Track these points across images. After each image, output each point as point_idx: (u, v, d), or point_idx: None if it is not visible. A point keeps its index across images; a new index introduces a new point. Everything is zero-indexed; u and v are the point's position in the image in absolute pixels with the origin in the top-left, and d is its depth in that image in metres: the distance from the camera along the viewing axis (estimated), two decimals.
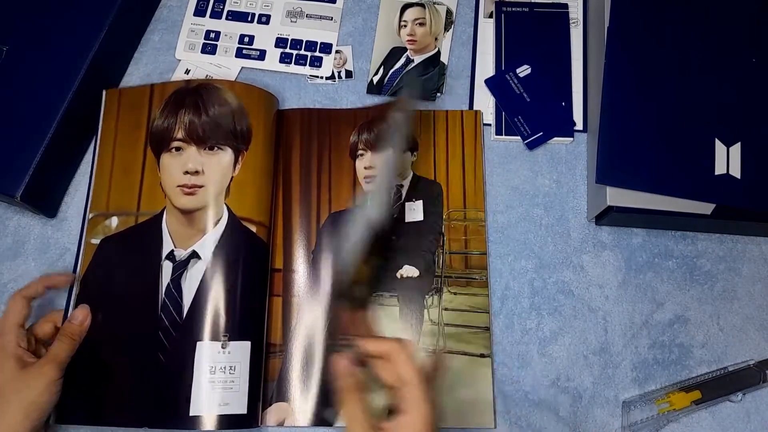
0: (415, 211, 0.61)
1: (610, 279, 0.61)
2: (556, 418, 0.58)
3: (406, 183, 0.63)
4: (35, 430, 0.50)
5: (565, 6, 0.69)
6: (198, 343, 0.54)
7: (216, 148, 0.59)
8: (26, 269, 0.62)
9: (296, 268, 0.61)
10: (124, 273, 0.58)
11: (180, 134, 0.60)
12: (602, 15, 0.63)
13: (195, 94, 0.61)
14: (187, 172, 0.59)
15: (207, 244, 0.57)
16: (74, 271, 0.58)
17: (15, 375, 0.50)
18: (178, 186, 0.59)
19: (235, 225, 0.58)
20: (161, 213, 0.59)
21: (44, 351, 0.54)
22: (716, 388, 0.57)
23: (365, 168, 0.63)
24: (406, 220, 0.62)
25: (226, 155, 0.60)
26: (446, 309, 0.59)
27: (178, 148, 0.60)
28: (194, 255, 0.57)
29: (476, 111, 0.66)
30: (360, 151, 0.63)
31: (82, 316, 0.55)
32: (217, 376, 0.54)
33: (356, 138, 0.64)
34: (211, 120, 0.60)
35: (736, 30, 0.62)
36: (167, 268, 0.57)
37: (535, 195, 0.64)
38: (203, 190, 0.58)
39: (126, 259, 0.58)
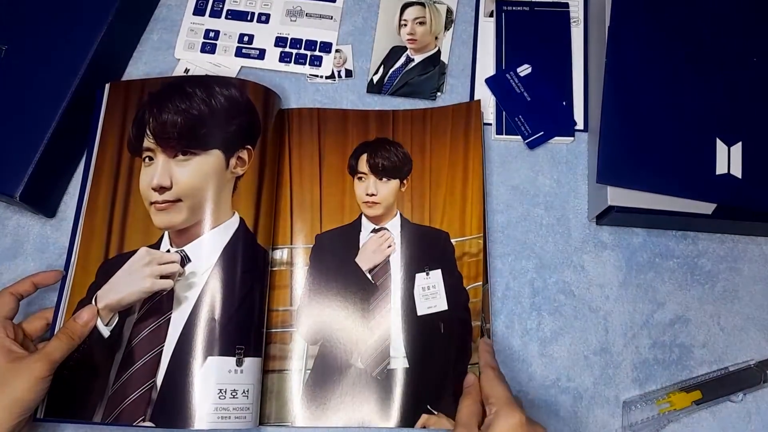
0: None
1: (611, 279, 0.61)
2: (557, 418, 0.57)
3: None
4: (18, 427, 0.48)
5: (566, 5, 0.69)
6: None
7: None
8: (25, 269, 0.61)
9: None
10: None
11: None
12: (603, 14, 0.63)
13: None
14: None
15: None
16: (65, 269, 0.57)
17: (2, 367, 0.48)
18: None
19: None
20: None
21: (33, 347, 0.53)
22: (717, 388, 0.57)
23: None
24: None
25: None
26: None
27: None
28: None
29: (475, 101, 0.65)
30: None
31: (87, 316, 0.53)
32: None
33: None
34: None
35: (737, 29, 0.61)
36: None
37: (535, 195, 0.64)
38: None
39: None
